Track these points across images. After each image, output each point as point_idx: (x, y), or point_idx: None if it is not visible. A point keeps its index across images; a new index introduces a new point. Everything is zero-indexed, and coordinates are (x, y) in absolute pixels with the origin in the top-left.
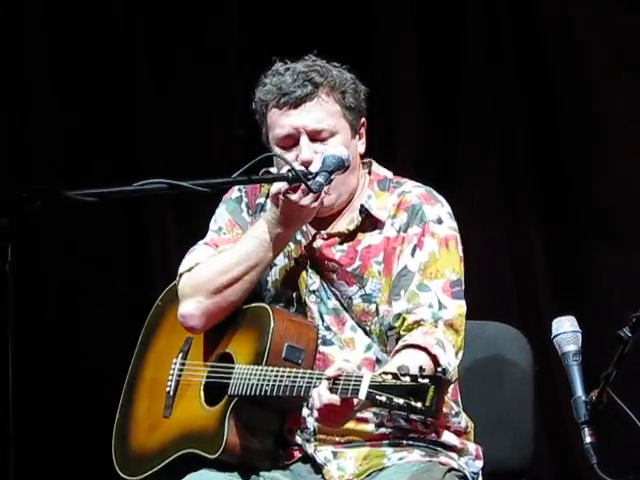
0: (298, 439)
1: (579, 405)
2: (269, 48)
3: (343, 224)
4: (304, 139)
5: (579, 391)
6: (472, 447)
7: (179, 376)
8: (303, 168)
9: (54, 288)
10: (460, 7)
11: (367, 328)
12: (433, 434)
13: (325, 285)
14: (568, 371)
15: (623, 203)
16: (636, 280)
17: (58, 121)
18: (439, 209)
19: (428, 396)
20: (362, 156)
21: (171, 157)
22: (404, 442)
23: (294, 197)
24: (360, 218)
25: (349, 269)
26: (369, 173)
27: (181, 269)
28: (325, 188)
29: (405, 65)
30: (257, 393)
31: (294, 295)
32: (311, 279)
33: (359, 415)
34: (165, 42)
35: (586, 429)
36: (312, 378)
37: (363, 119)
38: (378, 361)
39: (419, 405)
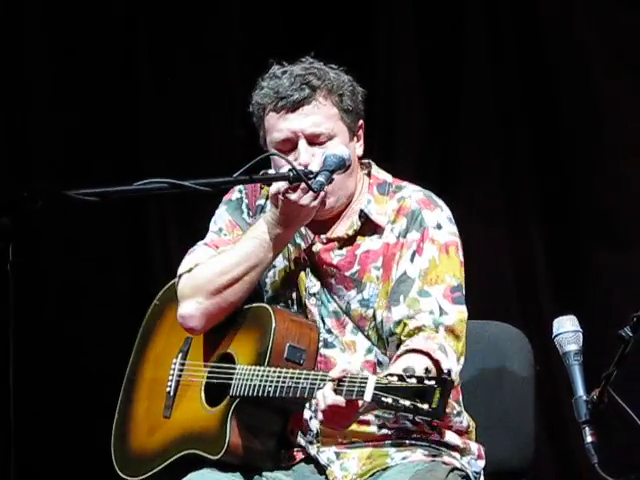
0: (301, 441)
1: (580, 405)
2: (270, 48)
3: (342, 229)
4: (302, 143)
5: (580, 391)
6: (474, 447)
7: (179, 376)
8: (304, 167)
9: (55, 288)
10: (461, 7)
11: (365, 333)
12: (436, 434)
13: (325, 289)
14: (569, 371)
15: (623, 203)
16: (636, 280)
17: (58, 121)
18: (438, 214)
19: (435, 398)
20: (360, 158)
21: (171, 157)
22: (407, 442)
23: (293, 197)
24: (359, 223)
25: (347, 273)
26: (368, 175)
27: (180, 270)
28: (325, 189)
29: (406, 65)
30: (259, 394)
31: (294, 297)
32: (311, 282)
33: (361, 417)
34: (165, 42)
35: (587, 429)
36: (316, 379)
37: (361, 121)
38: (379, 364)
39: (425, 407)
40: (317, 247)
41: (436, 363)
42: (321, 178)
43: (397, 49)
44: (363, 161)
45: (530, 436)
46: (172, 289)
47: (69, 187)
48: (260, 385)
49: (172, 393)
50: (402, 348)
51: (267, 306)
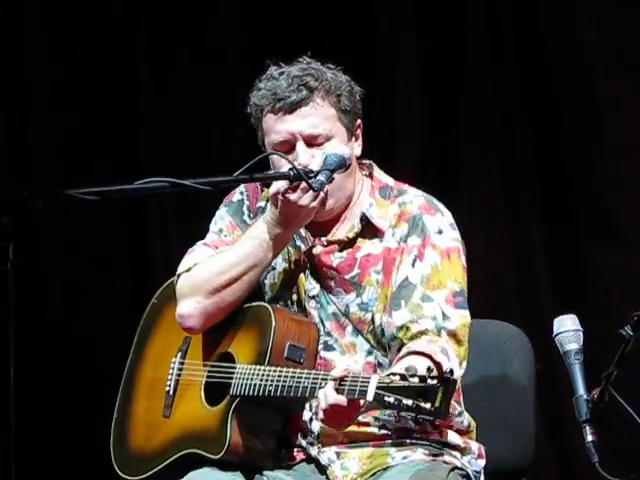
0: (302, 442)
1: (581, 404)
2: (270, 48)
3: (343, 231)
4: (300, 144)
5: (581, 390)
6: (475, 446)
7: (178, 376)
8: (304, 167)
9: (55, 287)
10: (461, 7)
11: (364, 336)
12: (436, 434)
13: (324, 291)
14: (569, 370)
15: (623, 203)
16: (636, 280)
17: (58, 121)
18: (439, 219)
19: (437, 397)
20: (360, 158)
21: (171, 157)
22: (407, 441)
23: (293, 197)
24: (360, 226)
25: (347, 276)
26: (369, 176)
27: (180, 269)
28: (325, 189)
29: (406, 65)
30: (260, 393)
31: (294, 299)
32: (310, 285)
33: (360, 420)
34: (165, 42)
35: (587, 428)
36: (317, 378)
37: (359, 121)
38: (380, 365)
39: (428, 406)
40: (317, 249)
41: (438, 365)
42: (321, 177)
43: (397, 49)
44: (363, 162)
45: (530, 435)
46: (170, 288)
47: (69, 187)
48: (261, 384)
49: (171, 392)
50: (404, 350)
51: (267, 305)
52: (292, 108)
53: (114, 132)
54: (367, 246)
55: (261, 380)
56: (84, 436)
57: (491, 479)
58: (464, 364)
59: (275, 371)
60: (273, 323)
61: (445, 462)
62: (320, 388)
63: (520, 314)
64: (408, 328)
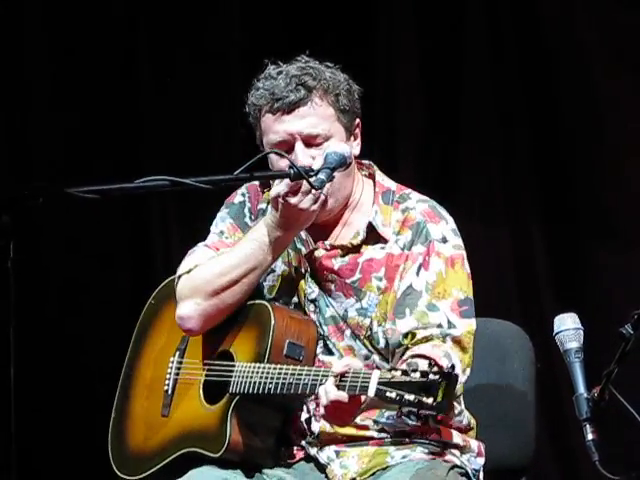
0: (302, 442)
1: (581, 402)
2: (270, 48)
3: (346, 237)
4: (299, 145)
5: (581, 388)
6: (474, 444)
7: (177, 374)
8: (304, 165)
9: (56, 285)
10: (461, 7)
11: (361, 341)
12: (435, 433)
13: (323, 294)
14: (570, 368)
15: (623, 203)
16: (636, 280)
17: (58, 121)
18: (443, 227)
19: (440, 392)
20: (359, 157)
21: (171, 157)
22: (407, 440)
23: (293, 200)
24: (365, 234)
25: (348, 281)
26: (369, 176)
27: (180, 271)
28: (325, 190)
29: (406, 65)
30: (260, 391)
31: (294, 303)
32: (310, 288)
33: (359, 422)
34: (165, 42)
35: (588, 426)
36: (317, 375)
37: (357, 120)
38: (378, 368)
39: (430, 401)
40: (320, 253)
41: (440, 367)
42: (322, 175)
43: (397, 49)
44: (363, 162)
45: (530, 434)
46: (168, 287)
47: (69, 185)
48: (260, 382)
49: (170, 392)
50: (408, 353)
51: (266, 303)
52: (290, 108)
53: (114, 132)
54: (369, 251)
55: (261, 378)
56: (85, 434)
57: (491, 478)
58: (468, 371)
59: (275, 368)
60: (272, 321)
61: (445, 461)
62: (320, 384)
63: (520, 313)
64: (414, 334)
